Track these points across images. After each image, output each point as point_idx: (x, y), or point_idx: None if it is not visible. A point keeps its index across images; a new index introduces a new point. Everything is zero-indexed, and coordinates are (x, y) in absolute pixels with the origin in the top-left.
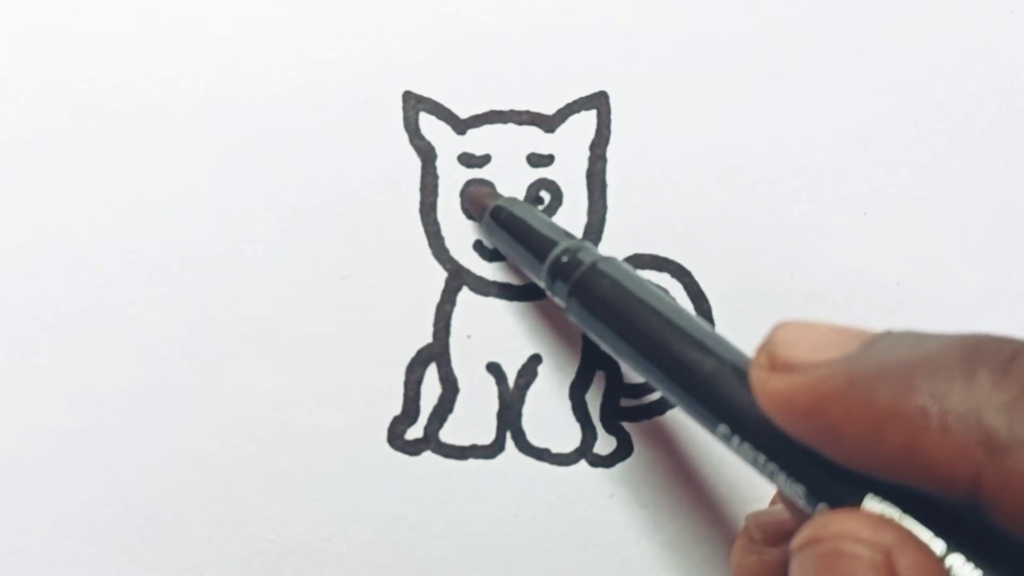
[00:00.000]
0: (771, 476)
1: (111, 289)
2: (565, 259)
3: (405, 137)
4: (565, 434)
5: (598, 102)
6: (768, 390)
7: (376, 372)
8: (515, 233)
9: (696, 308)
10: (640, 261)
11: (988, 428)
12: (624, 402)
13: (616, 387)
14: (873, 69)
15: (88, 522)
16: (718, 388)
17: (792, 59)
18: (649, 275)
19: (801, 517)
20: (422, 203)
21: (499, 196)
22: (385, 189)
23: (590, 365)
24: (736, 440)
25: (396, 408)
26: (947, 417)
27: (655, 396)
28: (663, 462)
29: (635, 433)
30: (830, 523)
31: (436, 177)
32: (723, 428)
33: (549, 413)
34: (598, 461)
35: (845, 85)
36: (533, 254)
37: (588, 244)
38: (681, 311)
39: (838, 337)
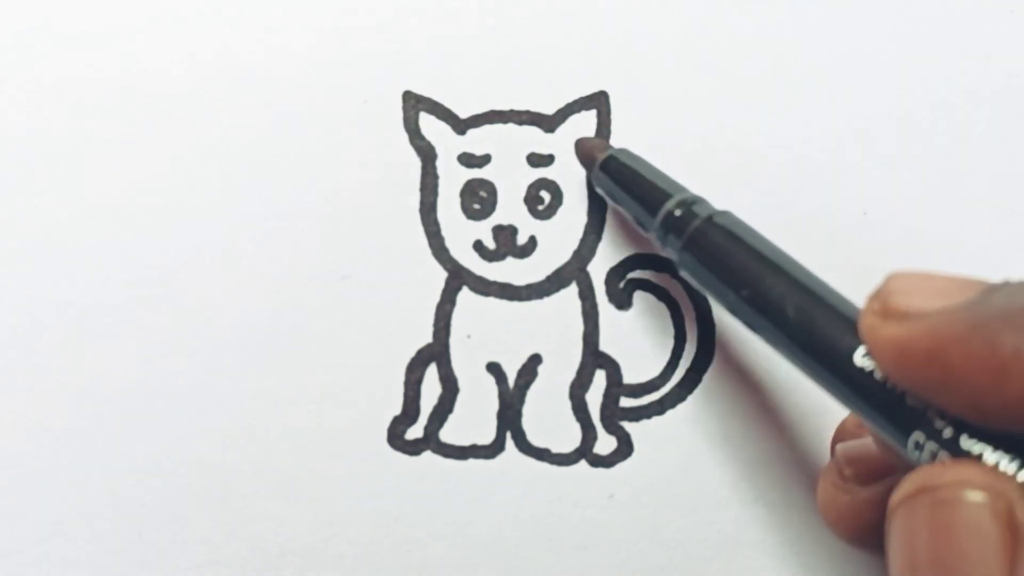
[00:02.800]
0: (874, 423)
1: (111, 289)
2: (679, 212)
3: (405, 137)
4: (565, 434)
5: (598, 102)
6: (882, 337)
7: (376, 372)
8: (626, 185)
9: (696, 308)
10: (640, 261)
11: None
12: (624, 402)
13: (616, 387)
14: (873, 69)
15: (88, 522)
16: (827, 337)
17: (792, 59)
18: (649, 275)
19: (900, 463)
20: (422, 203)
21: (610, 147)
22: (385, 189)
23: (590, 365)
24: (847, 391)
25: (396, 408)
26: None
27: (655, 396)
28: (663, 462)
29: (635, 433)
30: (944, 472)
31: (436, 177)
32: (834, 381)
33: (549, 413)
34: (598, 461)
35: (845, 85)
36: (644, 207)
37: (703, 198)
38: (800, 267)
39: (955, 286)
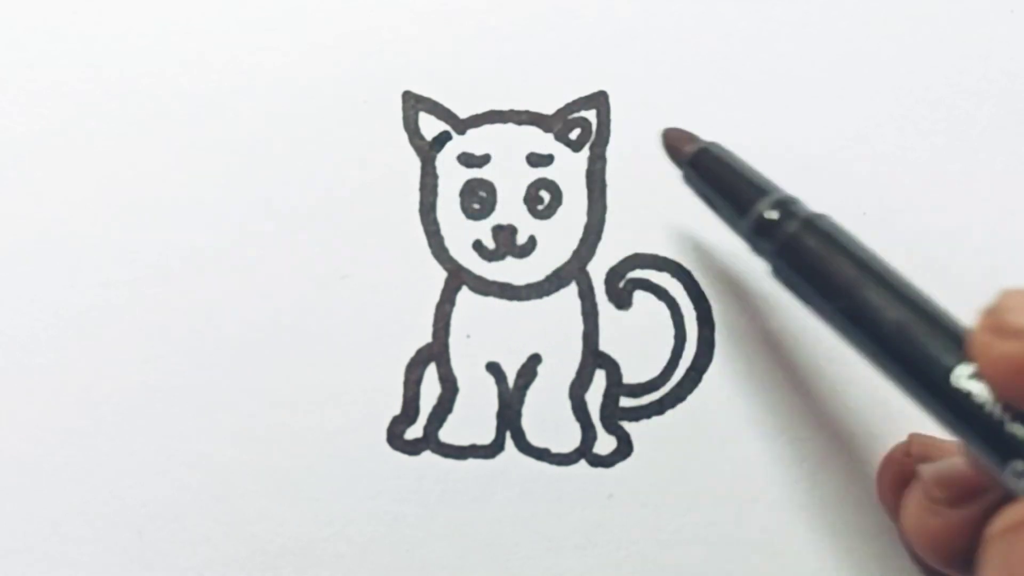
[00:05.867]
0: (971, 446)
1: (111, 289)
2: (773, 214)
3: (405, 137)
4: (565, 434)
5: (598, 102)
6: (995, 355)
7: (376, 372)
8: (715, 182)
9: (696, 308)
10: (640, 261)
11: None
12: (624, 402)
13: (616, 387)
14: (873, 69)
15: (88, 522)
16: (926, 356)
17: (792, 59)
18: (649, 274)
19: (994, 483)
20: (422, 203)
21: (698, 139)
22: (385, 189)
23: (590, 365)
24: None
25: (396, 408)
26: None
27: (655, 396)
28: (663, 462)
29: (635, 433)
30: None
31: (436, 177)
32: (932, 401)
33: (549, 413)
34: (598, 461)
35: (845, 85)
36: (735, 207)
37: (798, 198)
38: (899, 278)
39: None
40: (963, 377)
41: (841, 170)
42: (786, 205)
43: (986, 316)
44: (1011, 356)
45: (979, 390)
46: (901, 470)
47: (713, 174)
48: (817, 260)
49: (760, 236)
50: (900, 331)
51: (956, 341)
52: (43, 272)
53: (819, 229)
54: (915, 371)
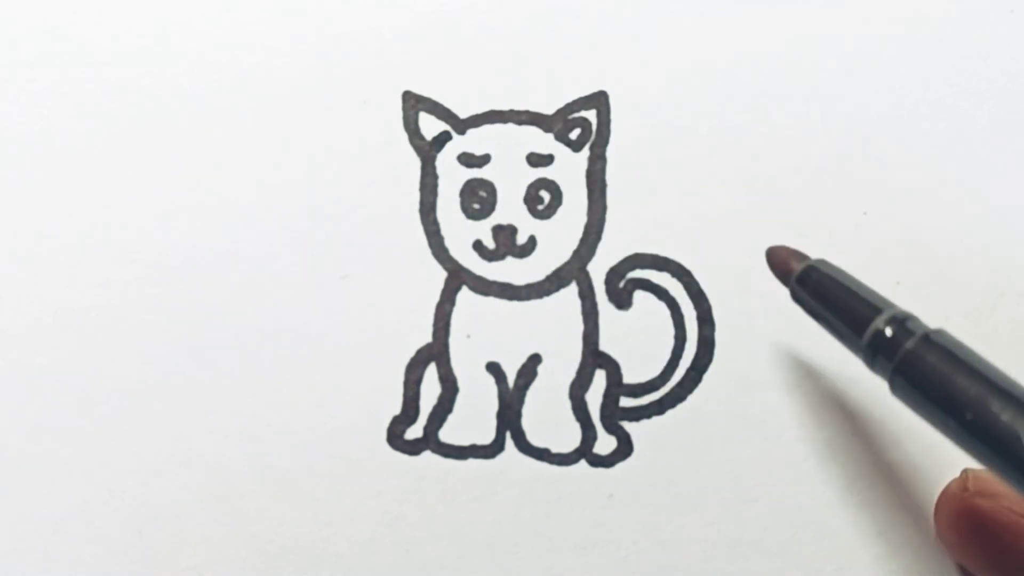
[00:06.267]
0: None
1: (111, 289)
2: (889, 331)
3: (405, 137)
4: (565, 434)
5: (598, 102)
6: None
7: (376, 372)
8: (826, 300)
9: (696, 308)
10: (640, 261)
11: None
12: (624, 402)
13: (616, 387)
14: (873, 69)
15: (88, 522)
16: None
17: (792, 59)
18: (649, 274)
19: None
20: (422, 203)
21: (806, 257)
22: (385, 189)
23: (590, 365)
24: None
25: (396, 408)
26: None
27: (655, 396)
28: (663, 462)
29: (635, 433)
30: None
31: (436, 177)
32: None
33: (549, 413)
34: (598, 461)
35: (845, 85)
36: (848, 324)
37: (913, 314)
38: None
39: None
40: None
41: (841, 170)
42: (902, 322)
43: None
44: None
45: None
46: (961, 506)
47: (823, 291)
48: (938, 375)
49: (877, 353)
50: None
51: None
52: (43, 272)
53: (938, 345)
54: None
